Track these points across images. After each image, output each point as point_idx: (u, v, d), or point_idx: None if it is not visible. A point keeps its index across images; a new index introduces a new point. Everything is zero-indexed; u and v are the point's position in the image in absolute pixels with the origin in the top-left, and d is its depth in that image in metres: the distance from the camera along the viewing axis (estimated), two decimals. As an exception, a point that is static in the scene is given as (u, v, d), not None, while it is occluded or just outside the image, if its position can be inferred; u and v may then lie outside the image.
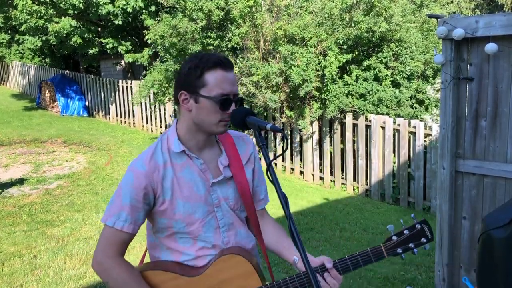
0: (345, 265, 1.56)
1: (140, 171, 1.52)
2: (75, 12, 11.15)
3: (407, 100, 7.71)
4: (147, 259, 1.75)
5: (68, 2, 10.49)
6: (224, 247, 1.63)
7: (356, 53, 7.85)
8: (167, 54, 9.15)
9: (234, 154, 1.66)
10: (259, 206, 1.76)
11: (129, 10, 10.82)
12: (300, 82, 7.26)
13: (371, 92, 7.59)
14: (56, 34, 11.34)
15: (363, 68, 7.88)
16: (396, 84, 7.83)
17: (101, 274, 1.56)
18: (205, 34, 8.24)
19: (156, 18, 10.28)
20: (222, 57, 1.53)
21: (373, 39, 7.69)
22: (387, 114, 7.47)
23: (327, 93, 7.62)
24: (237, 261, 1.58)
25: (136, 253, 4.72)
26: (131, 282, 1.52)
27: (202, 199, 1.58)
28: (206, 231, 1.59)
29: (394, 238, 1.61)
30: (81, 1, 10.65)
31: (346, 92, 7.65)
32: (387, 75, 7.68)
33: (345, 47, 7.84)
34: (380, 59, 7.78)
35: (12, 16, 11.56)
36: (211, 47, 8.28)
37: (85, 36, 11.93)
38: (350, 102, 7.53)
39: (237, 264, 1.58)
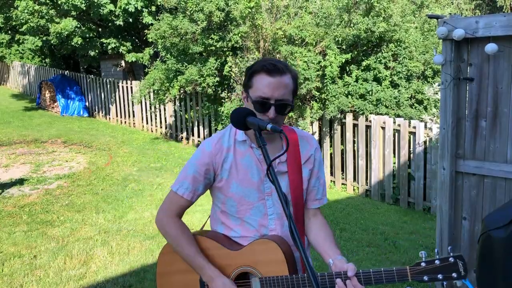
0: (367, 277, 1.59)
1: (207, 151, 1.75)
2: (77, 12, 11.15)
3: (406, 101, 7.71)
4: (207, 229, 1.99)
5: (70, 2, 10.49)
6: (268, 233, 1.77)
7: (355, 53, 7.85)
8: (168, 54, 9.15)
9: (294, 151, 1.79)
10: (313, 205, 1.87)
11: (131, 10, 10.82)
12: (301, 81, 7.27)
13: (371, 93, 7.60)
14: (57, 35, 11.34)
15: (362, 68, 7.89)
16: (395, 85, 7.83)
17: (160, 229, 1.83)
18: (206, 35, 8.24)
19: (157, 18, 10.29)
20: (270, 63, 1.65)
21: (372, 39, 7.69)
22: (386, 114, 7.48)
23: (327, 93, 7.63)
24: (271, 247, 1.69)
25: (136, 253, 4.72)
26: (182, 237, 1.77)
27: (255, 185, 1.75)
28: (253, 214, 1.77)
29: (423, 264, 1.57)
30: (83, 2, 10.64)
31: (346, 92, 7.66)
32: (386, 75, 7.68)
33: (344, 46, 7.85)
34: (379, 59, 7.78)
35: (13, 16, 11.55)
36: (212, 48, 8.28)
37: (86, 36, 11.92)
38: (350, 102, 7.53)
39: (269, 250, 1.69)
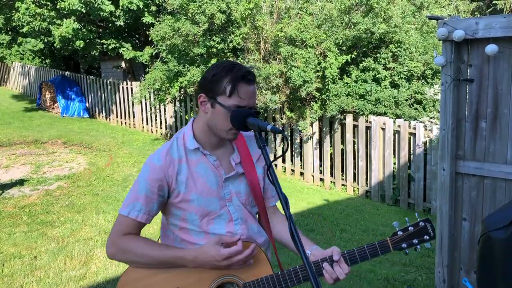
0: (352, 256, 1.64)
1: (157, 165, 1.62)
2: (77, 14, 11.16)
3: (406, 100, 7.72)
4: None
5: (70, 7, 10.51)
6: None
7: (355, 53, 7.86)
8: (169, 55, 9.16)
9: (245, 152, 1.74)
10: (271, 203, 1.84)
11: (134, 8, 10.82)
12: (301, 83, 7.28)
13: (370, 93, 7.61)
14: (61, 39, 11.36)
15: (361, 69, 7.90)
16: (394, 85, 7.85)
17: (116, 252, 1.63)
18: (207, 37, 8.26)
19: (157, 18, 10.30)
20: (247, 70, 1.60)
21: (372, 40, 7.70)
22: (385, 113, 7.48)
23: (328, 93, 7.63)
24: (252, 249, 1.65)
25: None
26: (144, 244, 1.62)
27: (215, 193, 1.66)
28: (218, 223, 1.67)
29: (400, 233, 1.67)
30: (83, 5, 10.65)
31: (346, 92, 7.67)
32: (385, 76, 7.70)
33: (344, 48, 7.86)
34: (378, 61, 7.80)
35: (15, 18, 11.57)
36: (213, 49, 8.30)
37: (87, 39, 11.93)
38: (350, 103, 7.54)
39: None
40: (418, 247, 1.69)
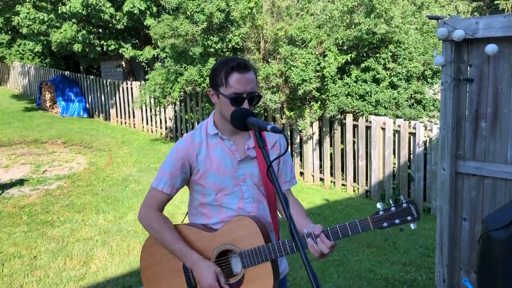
0: (335, 232, 1.75)
1: (180, 147, 1.93)
2: (78, 17, 11.17)
3: (406, 101, 7.72)
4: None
5: (71, 11, 10.50)
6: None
7: (356, 53, 7.85)
8: (168, 55, 9.17)
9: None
10: (284, 187, 2.05)
11: (136, 12, 10.83)
12: (300, 82, 7.28)
13: (370, 94, 7.60)
14: (59, 44, 11.39)
15: (362, 69, 7.89)
16: (394, 85, 7.84)
17: (142, 221, 1.98)
18: (206, 36, 8.24)
19: (158, 19, 10.29)
20: (240, 61, 1.84)
21: (373, 40, 7.70)
22: (385, 115, 7.47)
23: (327, 92, 7.63)
24: (245, 222, 1.86)
25: (136, 253, 4.73)
26: (163, 226, 1.94)
27: (229, 174, 1.91)
28: (230, 199, 1.93)
29: (381, 213, 1.72)
30: (84, 8, 10.64)
31: (346, 92, 7.67)
32: (385, 76, 7.69)
33: (345, 47, 7.85)
34: (378, 61, 7.79)
35: (15, 22, 11.59)
36: (212, 49, 8.29)
37: (86, 42, 11.92)
38: (350, 103, 7.53)
39: (245, 225, 1.86)
40: (402, 227, 1.72)
